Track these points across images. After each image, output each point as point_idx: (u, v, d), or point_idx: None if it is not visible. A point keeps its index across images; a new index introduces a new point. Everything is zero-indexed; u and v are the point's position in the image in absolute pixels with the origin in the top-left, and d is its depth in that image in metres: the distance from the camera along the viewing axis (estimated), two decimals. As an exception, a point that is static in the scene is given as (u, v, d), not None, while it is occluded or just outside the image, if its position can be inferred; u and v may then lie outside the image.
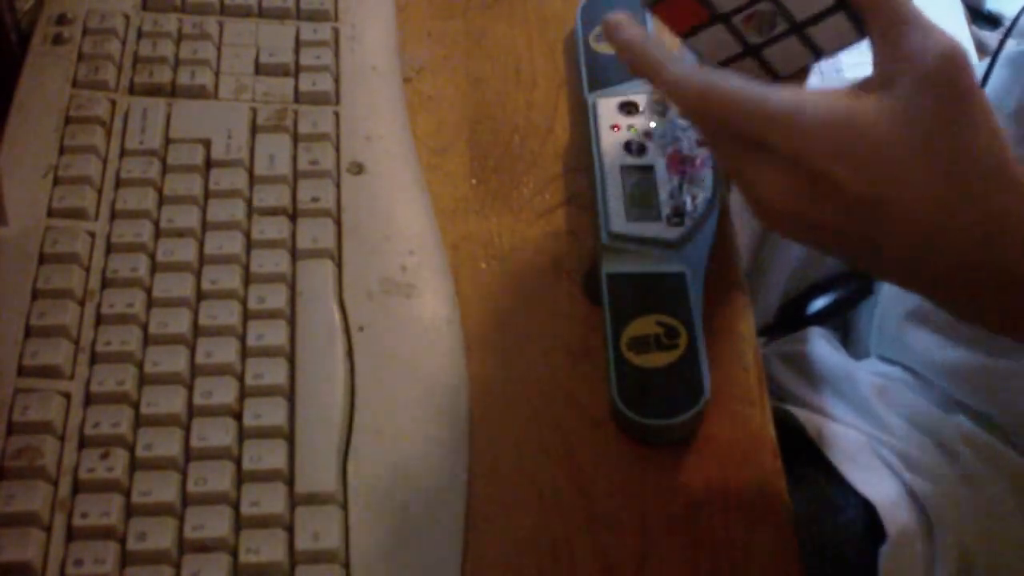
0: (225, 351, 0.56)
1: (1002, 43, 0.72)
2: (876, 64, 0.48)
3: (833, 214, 0.47)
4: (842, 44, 0.52)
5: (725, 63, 0.53)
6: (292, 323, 0.58)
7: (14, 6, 0.68)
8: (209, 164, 0.63)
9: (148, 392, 0.54)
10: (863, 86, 0.48)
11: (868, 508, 0.67)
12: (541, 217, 0.65)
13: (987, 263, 0.47)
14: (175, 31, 0.68)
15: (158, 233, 0.60)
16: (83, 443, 0.53)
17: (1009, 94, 0.72)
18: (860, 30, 0.50)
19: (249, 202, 0.62)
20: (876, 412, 0.72)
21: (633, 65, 0.51)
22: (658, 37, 0.51)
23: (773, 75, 0.54)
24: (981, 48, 1.33)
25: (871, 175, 0.46)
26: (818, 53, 0.53)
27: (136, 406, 0.54)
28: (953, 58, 0.46)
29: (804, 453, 0.70)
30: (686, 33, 0.52)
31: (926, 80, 0.46)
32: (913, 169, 0.46)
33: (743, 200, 0.51)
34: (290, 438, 0.54)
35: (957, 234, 0.46)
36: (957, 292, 0.49)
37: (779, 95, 0.47)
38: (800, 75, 0.54)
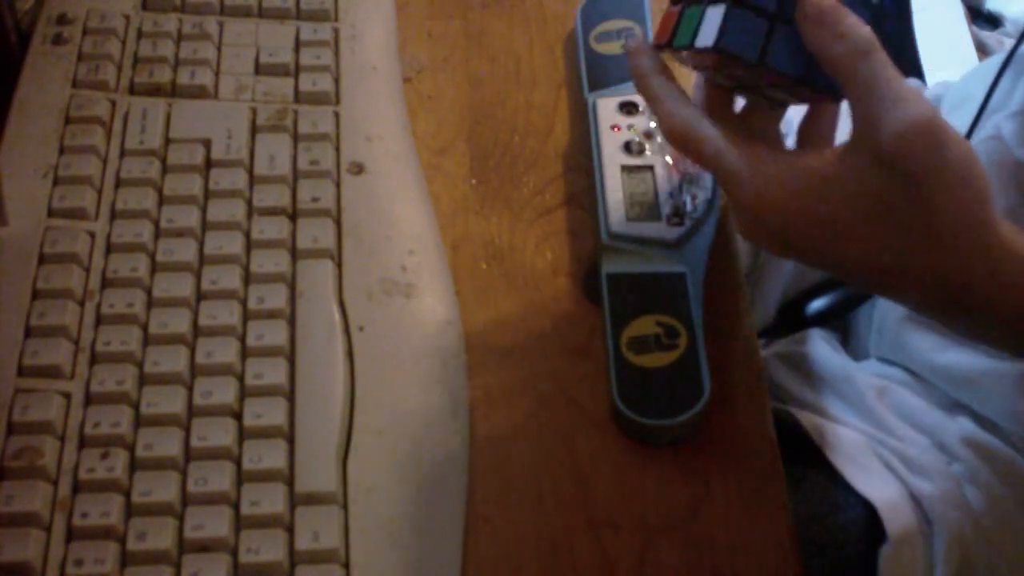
0: (225, 351, 0.56)
1: (1015, 49, 0.71)
2: (852, 133, 0.49)
3: (789, 252, 0.52)
4: (823, 102, 0.54)
5: (739, 89, 0.55)
6: (292, 323, 0.58)
7: (14, 6, 0.68)
8: (209, 164, 0.63)
9: (148, 392, 0.54)
10: (837, 150, 0.49)
11: (868, 509, 0.67)
12: (541, 217, 0.65)
13: (954, 314, 0.50)
14: (175, 31, 0.68)
15: (158, 233, 0.60)
16: (83, 443, 0.53)
17: (1011, 94, 0.72)
18: (834, 95, 0.52)
19: (249, 202, 0.62)
20: (876, 413, 0.72)
21: (640, 92, 0.55)
22: (666, 68, 0.54)
23: (784, 104, 0.56)
24: (981, 48, 1.32)
25: (817, 236, 0.49)
26: (806, 101, 0.54)
27: (136, 406, 0.54)
28: (910, 138, 0.46)
29: (804, 454, 0.70)
30: (692, 66, 0.55)
31: (879, 158, 0.47)
32: (860, 237, 0.48)
33: None
34: (290, 438, 0.54)
35: (918, 292, 0.49)
36: (936, 318, 0.52)
37: (737, 155, 0.50)
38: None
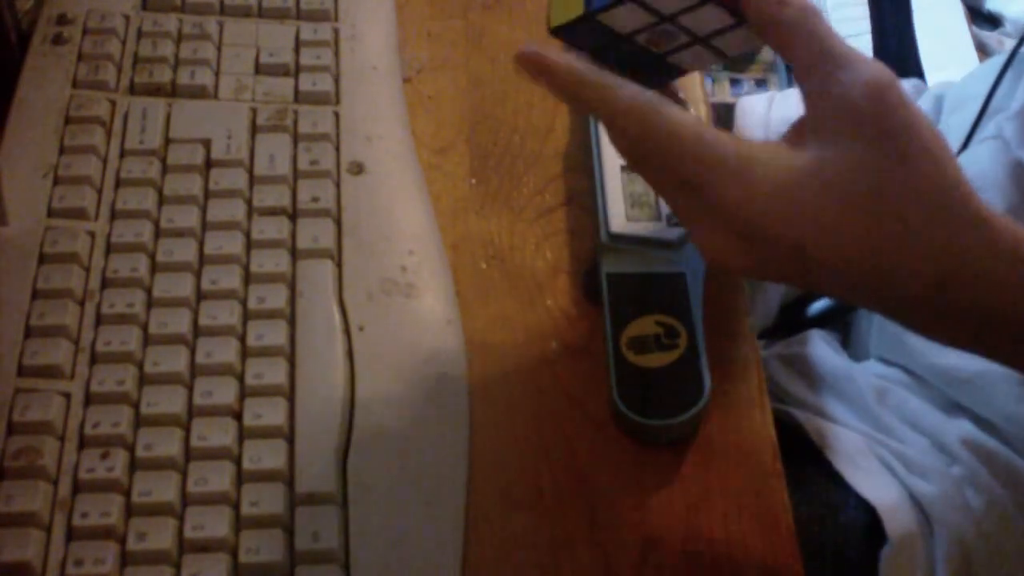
0: (225, 351, 0.56)
1: (1016, 49, 0.72)
2: (806, 106, 0.47)
3: (766, 263, 0.47)
4: (746, 48, 0.52)
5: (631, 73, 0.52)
6: (292, 323, 0.58)
7: (14, 6, 0.68)
8: (209, 164, 0.63)
9: (148, 392, 0.54)
10: (796, 131, 0.47)
11: (868, 510, 0.67)
12: (541, 217, 0.65)
13: (945, 303, 0.45)
14: (175, 31, 0.68)
15: (158, 233, 0.60)
16: (83, 443, 0.53)
17: (1012, 95, 0.72)
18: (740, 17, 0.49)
19: (249, 202, 0.62)
20: (876, 414, 0.72)
21: (572, 96, 0.49)
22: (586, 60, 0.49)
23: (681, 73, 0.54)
24: (981, 48, 1.32)
25: (799, 229, 0.45)
26: (724, 56, 0.53)
27: (136, 406, 0.54)
28: (877, 95, 0.44)
29: (804, 455, 0.70)
30: (593, 50, 0.52)
31: (850, 123, 0.44)
32: (843, 220, 0.44)
33: None
34: (290, 438, 0.54)
35: (905, 277, 0.45)
36: (920, 325, 0.47)
37: (726, 145, 0.46)
38: None
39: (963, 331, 0.47)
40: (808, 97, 0.47)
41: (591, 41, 0.52)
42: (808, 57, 0.46)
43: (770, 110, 0.92)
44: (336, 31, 0.70)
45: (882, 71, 0.45)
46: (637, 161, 0.49)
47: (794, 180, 0.45)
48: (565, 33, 0.52)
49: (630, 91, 0.47)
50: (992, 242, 0.44)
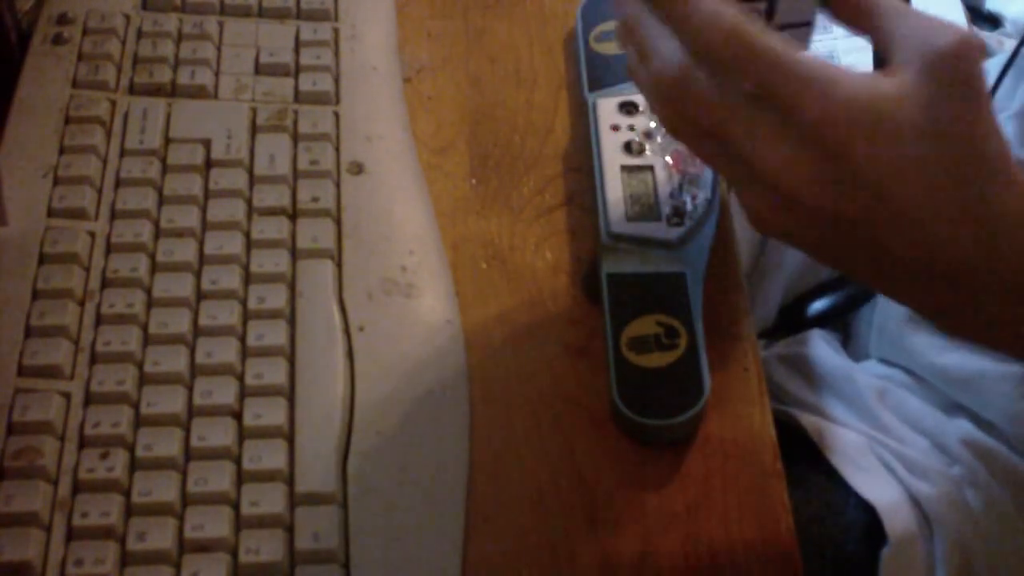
0: (225, 351, 0.56)
1: (1017, 50, 0.72)
2: (886, 53, 0.46)
3: (838, 199, 0.45)
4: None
5: None
6: (292, 323, 0.58)
7: (14, 6, 0.68)
8: (209, 164, 0.63)
9: (148, 392, 0.54)
10: (889, 71, 0.45)
11: (868, 510, 0.67)
12: (541, 217, 0.65)
13: (985, 267, 0.45)
14: (175, 31, 0.68)
15: (158, 233, 0.60)
16: (83, 443, 0.53)
17: (1012, 95, 0.72)
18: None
19: (249, 202, 0.62)
20: (876, 414, 0.72)
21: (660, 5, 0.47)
22: None
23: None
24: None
25: (888, 157, 0.44)
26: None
27: (136, 406, 0.54)
28: (964, 50, 0.44)
29: (804, 455, 0.70)
30: None
31: (937, 70, 0.44)
32: (925, 158, 0.44)
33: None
34: (290, 438, 0.54)
35: (958, 230, 0.44)
36: (952, 299, 0.47)
37: (812, 60, 0.44)
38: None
39: (990, 313, 0.47)
40: (888, 45, 0.46)
41: None
42: (889, 16, 0.46)
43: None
44: (336, 31, 0.70)
45: (965, 33, 0.44)
46: (712, 68, 0.46)
47: (883, 100, 0.44)
48: None
49: (710, 5, 0.44)
50: None
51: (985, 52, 0.45)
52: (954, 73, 0.44)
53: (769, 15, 0.49)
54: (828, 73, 0.44)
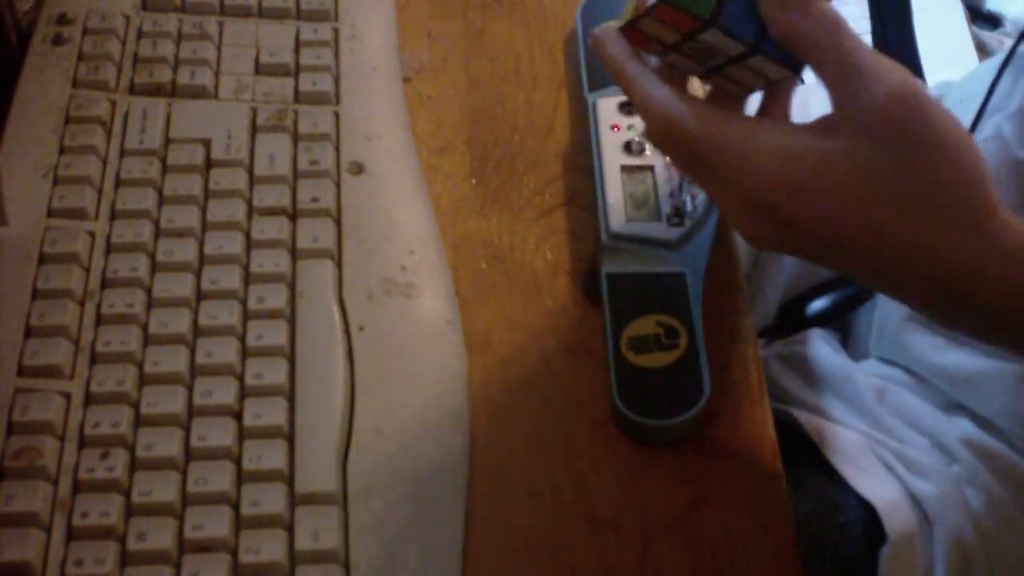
0: (225, 351, 0.56)
1: (1015, 48, 0.72)
2: (833, 108, 0.48)
3: (785, 238, 0.49)
4: (783, 78, 0.53)
5: (705, 75, 0.54)
6: (292, 323, 0.58)
7: (14, 6, 0.68)
8: (209, 164, 0.63)
9: (148, 392, 0.54)
10: (821, 124, 0.48)
11: (868, 509, 0.67)
12: (541, 217, 0.65)
13: (954, 301, 0.47)
14: (175, 31, 0.68)
15: (158, 233, 0.60)
16: (83, 443, 0.53)
17: (1011, 94, 0.72)
18: (793, 69, 0.51)
19: (249, 202, 0.62)
20: (876, 413, 0.72)
21: (613, 78, 0.54)
22: (637, 54, 0.53)
23: (748, 89, 0.55)
24: (981, 48, 1.32)
25: (817, 213, 0.47)
26: (770, 82, 0.53)
27: (136, 406, 0.54)
28: (896, 105, 0.46)
29: (804, 454, 0.70)
30: (657, 53, 0.54)
31: (869, 131, 0.46)
32: (857, 212, 0.46)
33: None
34: (290, 438, 0.54)
35: (915, 275, 0.47)
36: (938, 319, 0.50)
37: (731, 127, 0.49)
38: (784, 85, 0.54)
39: (980, 327, 0.49)
40: (833, 102, 0.48)
41: (647, 43, 0.53)
42: (833, 68, 0.47)
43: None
44: (336, 31, 0.70)
45: (906, 79, 0.46)
46: (658, 142, 0.53)
47: (796, 159, 0.47)
48: (627, 32, 0.53)
49: (648, 87, 0.52)
50: (1001, 246, 0.46)
51: (925, 96, 0.46)
52: (890, 137, 0.46)
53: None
54: (746, 143, 0.48)
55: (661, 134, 0.51)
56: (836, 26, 0.48)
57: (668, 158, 0.54)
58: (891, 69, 0.46)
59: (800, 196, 0.47)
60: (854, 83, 0.46)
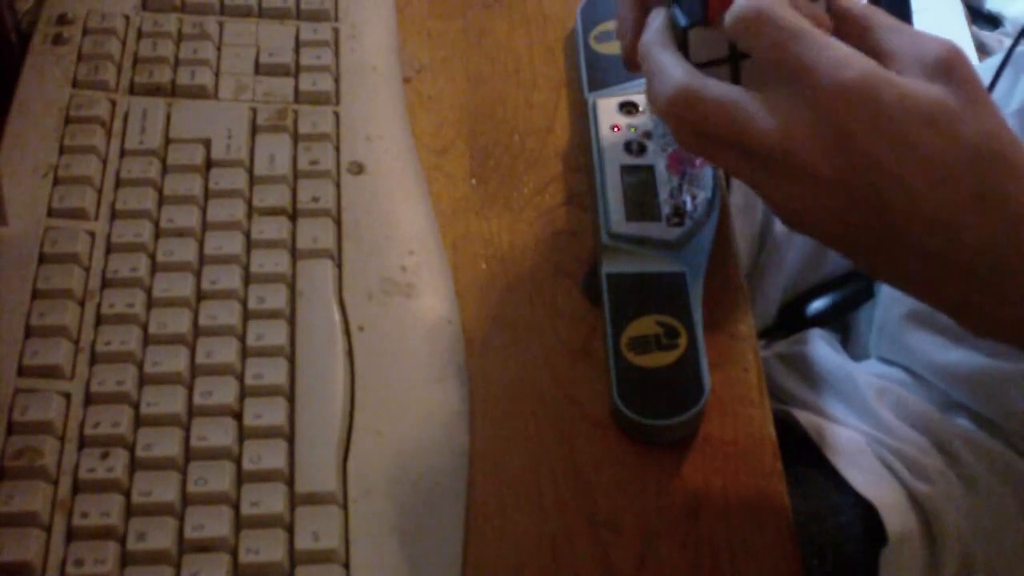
0: (225, 351, 0.56)
1: (1013, 47, 0.72)
2: (887, 58, 0.47)
3: (848, 173, 0.46)
4: None
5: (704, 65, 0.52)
6: (292, 323, 0.58)
7: (14, 6, 0.68)
8: (209, 164, 0.63)
9: (148, 392, 0.54)
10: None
11: (868, 510, 0.67)
12: (541, 217, 0.65)
13: (1007, 259, 0.45)
14: (175, 31, 0.68)
15: (158, 233, 0.60)
16: (83, 443, 0.53)
17: (1011, 94, 0.72)
18: None
19: (249, 202, 0.62)
20: (876, 413, 0.72)
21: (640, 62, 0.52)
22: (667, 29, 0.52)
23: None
24: (981, 48, 1.32)
25: (891, 140, 0.45)
26: None
27: (136, 406, 0.54)
28: (955, 57, 0.46)
29: (804, 454, 0.70)
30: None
31: (939, 75, 0.45)
32: (933, 148, 0.44)
33: (743, 200, 0.51)
34: (290, 438, 0.54)
35: (975, 220, 0.45)
36: (973, 292, 0.47)
37: (830, 39, 0.46)
38: None
39: (1011, 312, 0.47)
40: (889, 51, 0.48)
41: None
42: (881, 23, 0.48)
43: None
44: (336, 31, 0.70)
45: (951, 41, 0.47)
46: (686, 137, 0.50)
47: (889, 87, 0.45)
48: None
49: (679, 73, 0.49)
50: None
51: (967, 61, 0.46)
52: (953, 76, 0.45)
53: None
54: (842, 52, 0.45)
55: (749, 21, 0.47)
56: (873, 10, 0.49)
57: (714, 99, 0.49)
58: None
59: (879, 122, 0.45)
60: (911, 41, 0.47)
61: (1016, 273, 0.46)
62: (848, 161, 0.45)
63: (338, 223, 0.62)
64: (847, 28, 0.49)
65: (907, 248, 0.47)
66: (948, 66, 0.46)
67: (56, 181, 0.61)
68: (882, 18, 0.49)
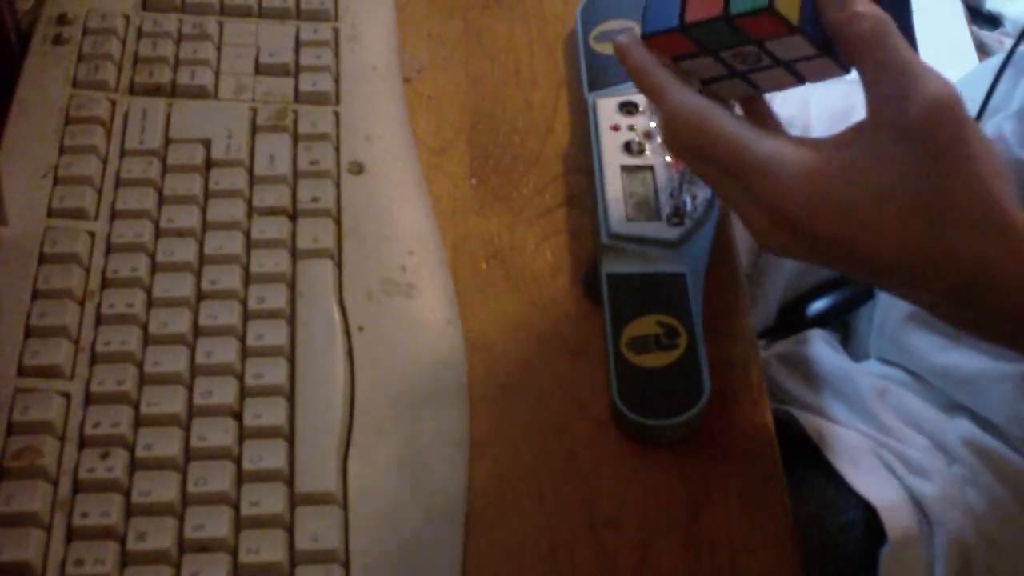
0: (225, 351, 0.56)
1: (1014, 48, 0.72)
2: (868, 111, 0.49)
3: (812, 253, 0.50)
4: (826, 77, 0.53)
5: (709, 81, 0.54)
6: (292, 323, 0.58)
7: (14, 6, 0.68)
8: (209, 164, 0.63)
9: (148, 392, 0.54)
10: (852, 130, 0.49)
11: (868, 510, 0.67)
12: (541, 217, 0.65)
13: (972, 308, 0.49)
14: (175, 31, 0.68)
15: (158, 233, 0.60)
16: (83, 443, 0.53)
17: (1011, 94, 0.72)
18: (845, 67, 0.52)
19: (249, 202, 0.62)
20: (876, 414, 0.72)
21: (640, 87, 0.54)
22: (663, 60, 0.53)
23: (758, 90, 0.55)
24: (981, 48, 1.32)
25: (841, 225, 0.48)
26: (802, 80, 0.54)
27: (136, 406, 0.54)
28: (936, 110, 0.46)
29: (804, 455, 0.70)
30: (675, 58, 0.53)
31: (905, 131, 0.47)
32: (881, 220, 0.47)
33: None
34: (290, 438, 0.54)
35: (932, 279, 0.48)
36: (957, 324, 0.52)
37: (764, 145, 0.49)
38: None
39: (997, 332, 0.51)
40: (870, 103, 0.48)
41: (677, 50, 0.53)
42: (879, 69, 0.48)
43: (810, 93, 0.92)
44: (336, 31, 0.70)
45: (945, 88, 0.47)
46: (683, 151, 0.53)
47: (827, 174, 0.48)
48: (655, 40, 0.53)
49: (679, 96, 0.51)
50: (1021, 251, 0.47)
51: (963, 107, 0.47)
52: (920, 142, 0.47)
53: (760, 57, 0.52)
54: (775, 158, 0.49)
55: (689, 145, 0.51)
56: (887, 26, 0.49)
57: (687, 166, 0.55)
58: (935, 75, 0.47)
59: (828, 213, 0.48)
60: (900, 84, 0.47)
61: (996, 308, 0.48)
62: (812, 249, 0.50)
63: (338, 223, 0.62)
64: (858, 56, 0.49)
65: (881, 283, 0.52)
66: (922, 131, 0.46)
67: (56, 181, 0.61)
68: (881, 63, 0.48)
